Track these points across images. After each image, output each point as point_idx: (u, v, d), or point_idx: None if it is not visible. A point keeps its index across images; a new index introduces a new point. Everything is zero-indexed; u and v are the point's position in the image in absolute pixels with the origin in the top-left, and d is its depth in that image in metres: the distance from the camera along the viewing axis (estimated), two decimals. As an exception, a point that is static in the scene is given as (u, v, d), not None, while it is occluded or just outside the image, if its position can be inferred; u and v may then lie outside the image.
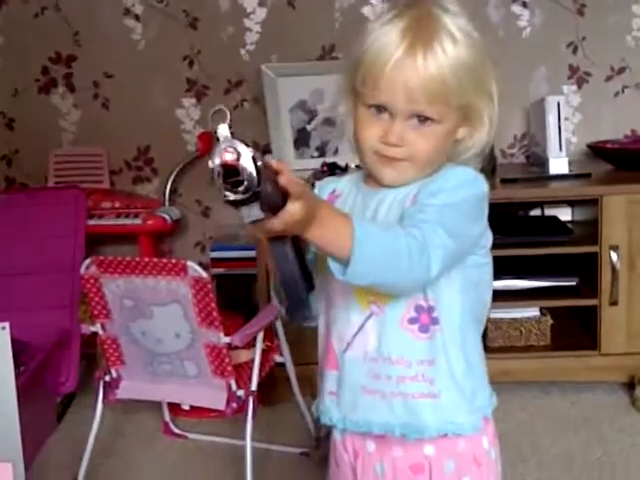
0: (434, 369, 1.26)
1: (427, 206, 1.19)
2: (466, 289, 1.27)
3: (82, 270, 2.37)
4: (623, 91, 3.47)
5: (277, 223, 1.04)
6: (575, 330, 3.16)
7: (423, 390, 1.26)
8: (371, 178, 1.31)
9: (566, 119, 3.35)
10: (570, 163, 3.16)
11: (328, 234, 1.08)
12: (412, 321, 1.25)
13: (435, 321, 1.25)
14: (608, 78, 3.47)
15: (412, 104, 1.20)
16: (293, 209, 1.02)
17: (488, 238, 1.29)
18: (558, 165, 3.13)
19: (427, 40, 1.20)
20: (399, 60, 1.19)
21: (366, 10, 3.43)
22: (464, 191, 1.23)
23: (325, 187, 1.39)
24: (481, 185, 1.25)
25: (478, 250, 1.27)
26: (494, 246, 1.31)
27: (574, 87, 3.47)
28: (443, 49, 1.20)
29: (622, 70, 3.45)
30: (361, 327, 1.28)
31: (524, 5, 3.43)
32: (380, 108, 1.23)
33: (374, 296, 1.25)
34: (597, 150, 3.32)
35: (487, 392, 1.34)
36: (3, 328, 2.31)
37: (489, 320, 3.06)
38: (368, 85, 1.23)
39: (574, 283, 3.06)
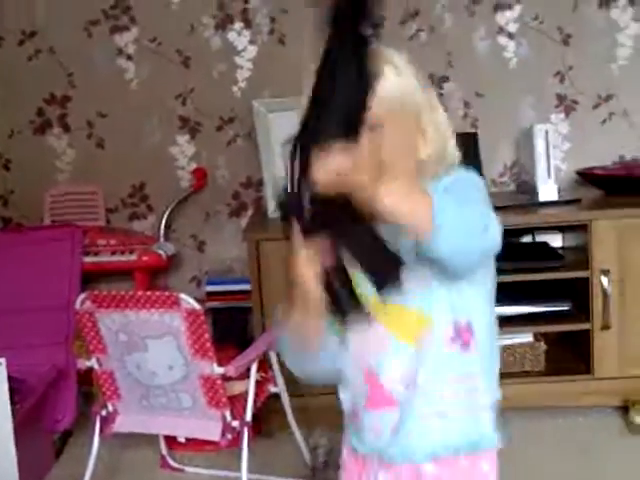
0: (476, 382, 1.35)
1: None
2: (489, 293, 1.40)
3: (77, 305, 2.40)
4: (610, 118, 3.51)
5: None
6: (569, 355, 3.18)
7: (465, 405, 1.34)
8: None
9: (555, 147, 3.39)
10: (560, 190, 3.21)
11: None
12: (454, 340, 1.31)
13: (473, 334, 1.32)
14: (595, 106, 3.52)
15: None
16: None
17: None
18: (547, 192, 3.17)
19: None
20: None
21: (354, 45, 3.48)
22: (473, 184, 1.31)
23: None
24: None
25: None
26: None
27: (562, 115, 3.52)
28: (384, 70, 1.26)
29: (609, 98, 3.50)
30: (409, 361, 1.31)
31: (510, 36, 3.48)
32: None
33: (416, 327, 1.29)
34: (586, 176, 3.36)
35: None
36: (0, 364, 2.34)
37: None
38: None
39: (566, 308, 3.08)
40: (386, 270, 1.12)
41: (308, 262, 1.15)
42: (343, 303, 1.16)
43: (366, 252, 1.12)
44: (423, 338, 1.29)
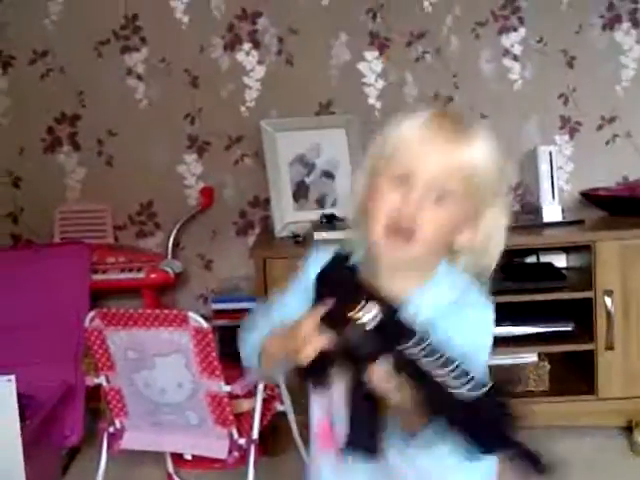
0: None
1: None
2: None
3: (86, 323, 2.43)
4: (614, 140, 3.55)
5: None
6: (573, 375, 3.19)
7: None
8: (371, 277, 1.31)
9: (559, 168, 3.43)
10: (564, 211, 3.24)
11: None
12: None
13: None
14: (599, 127, 3.55)
15: (432, 179, 1.24)
16: None
17: None
18: (551, 213, 3.20)
19: (465, 130, 1.29)
20: (435, 138, 1.25)
21: (361, 66, 3.53)
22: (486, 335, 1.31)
23: None
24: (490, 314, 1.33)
25: None
26: (492, 293, 1.36)
27: (566, 137, 3.56)
28: (476, 143, 1.28)
29: (613, 119, 3.54)
30: None
31: (515, 59, 3.53)
32: (403, 178, 1.25)
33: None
34: (590, 197, 3.39)
35: None
36: (9, 380, 2.37)
37: (487, 366, 3.10)
38: (397, 156, 1.26)
39: (570, 328, 3.10)
40: (365, 441, 1.24)
41: (316, 331, 1.23)
42: (317, 373, 1.28)
43: (363, 415, 1.24)
44: None
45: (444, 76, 3.53)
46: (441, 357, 1.12)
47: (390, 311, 1.18)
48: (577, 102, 3.54)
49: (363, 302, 1.18)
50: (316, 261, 1.38)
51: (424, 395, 1.13)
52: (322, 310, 1.23)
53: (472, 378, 1.11)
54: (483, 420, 1.11)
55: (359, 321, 1.17)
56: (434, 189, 1.24)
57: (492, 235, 1.32)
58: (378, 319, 1.17)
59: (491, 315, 1.32)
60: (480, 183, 1.27)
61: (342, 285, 1.26)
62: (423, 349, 1.13)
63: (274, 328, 1.36)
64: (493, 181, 1.29)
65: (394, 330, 1.16)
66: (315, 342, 1.21)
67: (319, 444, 1.40)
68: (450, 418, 1.12)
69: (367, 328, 1.17)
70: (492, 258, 1.33)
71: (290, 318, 1.30)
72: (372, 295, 1.20)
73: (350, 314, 1.18)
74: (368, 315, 1.17)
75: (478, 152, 1.27)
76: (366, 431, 1.23)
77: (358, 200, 1.33)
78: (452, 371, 1.11)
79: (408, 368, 1.14)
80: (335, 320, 1.20)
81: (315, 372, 1.26)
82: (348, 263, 1.31)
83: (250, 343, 1.44)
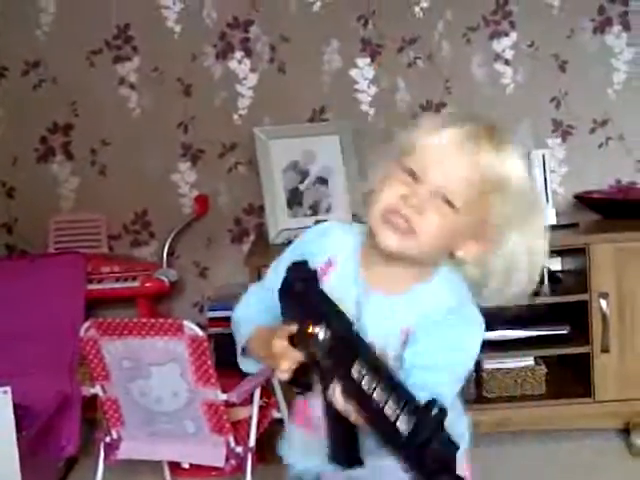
0: None
1: (438, 369, 1.22)
2: None
3: (81, 333, 2.42)
4: (607, 142, 3.56)
5: None
6: (569, 378, 3.19)
7: None
8: (370, 262, 1.32)
9: (552, 171, 3.44)
10: (557, 214, 3.24)
11: None
12: None
13: None
14: (592, 130, 3.56)
15: (444, 182, 1.22)
16: None
17: None
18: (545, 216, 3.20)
19: (490, 139, 1.24)
20: (457, 143, 1.23)
21: (353, 73, 3.54)
22: (471, 343, 1.29)
23: (319, 254, 1.38)
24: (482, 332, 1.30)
25: None
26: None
27: (559, 140, 3.56)
28: (500, 158, 1.24)
29: (605, 122, 3.55)
30: None
31: (506, 63, 3.54)
32: (415, 175, 1.24)
33: None
34: (584, 200, 3.40)
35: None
36: (4, 392, 2.36)
37: (485, 370, 3.11)
38: (415, 152, 1.25)
39: (566, 331, 3.10)
40: (343, 452, 1.22)
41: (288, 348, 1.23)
42: (297, 382, 1.27)
43: (338, 431, 1.22)
44: None
45: (436, 81, 3.53)
46: (384, 380, 1.06)
47: (343, 326, 1.18)
48: (569, 106, 3.55)
49: (319, 317, 1.19)
50: (319, 236, 1.42)
51: (366, 420, 1.08)
52: (288, 329, 1.24)
53: (409, 407, 1.01)
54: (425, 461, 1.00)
55: (317, 337, 1.18)
56: (440, 196, 1.22)
57: (516, 262, 1.28)
58: (329, 335, 1.17)
59: (480, 336, 1.30)
60: (502, 202, 1.24)
61: (302, 299, 1.26)
62: (366, 368, 1.07)
63: (258, 328, 1.40)
64: (519, 203, 1.25)
65: (347, 346, 1.14)
66: (289, 358, 1.22)
67: (294, 419, 1.51)
68: (391, 447, 1.04)
69: (324, 344, 1.17)
70: (518, 286, 1.31)
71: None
72: (328, 309, 1.21)
73: (309, 331, 1.18)
74: (322, 331, 1.18)
75: (505, 170, 1.23)
76: (343, 446, 1.22)
77: (374, 181, 1.31)
78: (391, 397, 1.03)
79: (354, 391, 1.09)
80: (300, 337, 1.22)
81: (295, 381, 1.26)
82: (307, 271, 1.29)
83: (240, 328, 1.46)
